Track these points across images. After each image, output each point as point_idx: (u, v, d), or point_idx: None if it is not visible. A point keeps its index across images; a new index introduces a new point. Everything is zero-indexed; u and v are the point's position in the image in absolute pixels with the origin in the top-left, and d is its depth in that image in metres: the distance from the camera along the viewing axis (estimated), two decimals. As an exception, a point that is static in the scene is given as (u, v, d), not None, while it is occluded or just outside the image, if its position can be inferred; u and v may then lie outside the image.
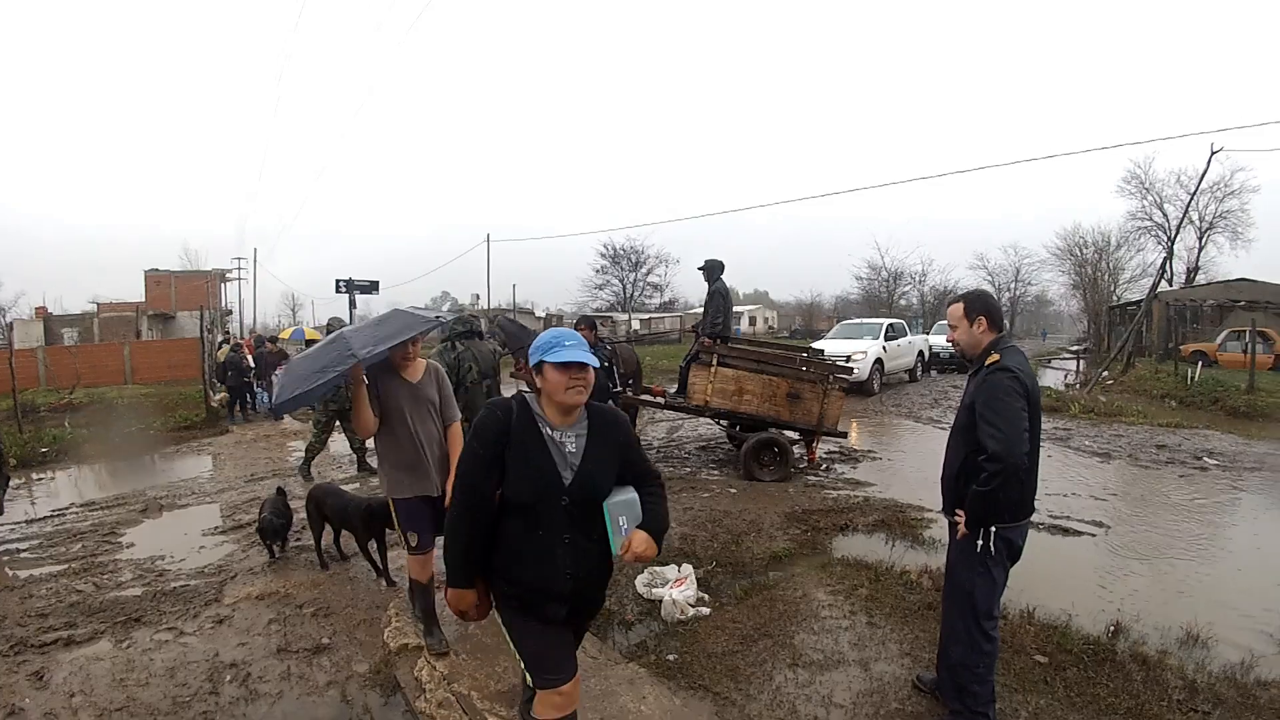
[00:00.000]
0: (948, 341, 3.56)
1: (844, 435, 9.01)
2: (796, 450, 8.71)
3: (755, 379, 8.45)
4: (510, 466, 2.31)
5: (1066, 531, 6.35)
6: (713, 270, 9.22)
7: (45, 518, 7.70)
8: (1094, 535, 6.29)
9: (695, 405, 8.65)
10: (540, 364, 2.36)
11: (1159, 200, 40.78)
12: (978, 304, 3.21)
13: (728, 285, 9.41)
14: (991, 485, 2.89)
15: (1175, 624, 4.37)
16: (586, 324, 8.02)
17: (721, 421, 9.29)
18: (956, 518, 3.13)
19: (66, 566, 5.96)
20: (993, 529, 3.00)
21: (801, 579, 5.07)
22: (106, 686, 3.89)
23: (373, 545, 5.28)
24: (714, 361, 8.49)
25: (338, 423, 9.20)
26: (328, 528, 5.68)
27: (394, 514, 4.03)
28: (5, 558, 6.35)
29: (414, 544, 3.99)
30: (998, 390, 2.96)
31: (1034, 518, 6.44)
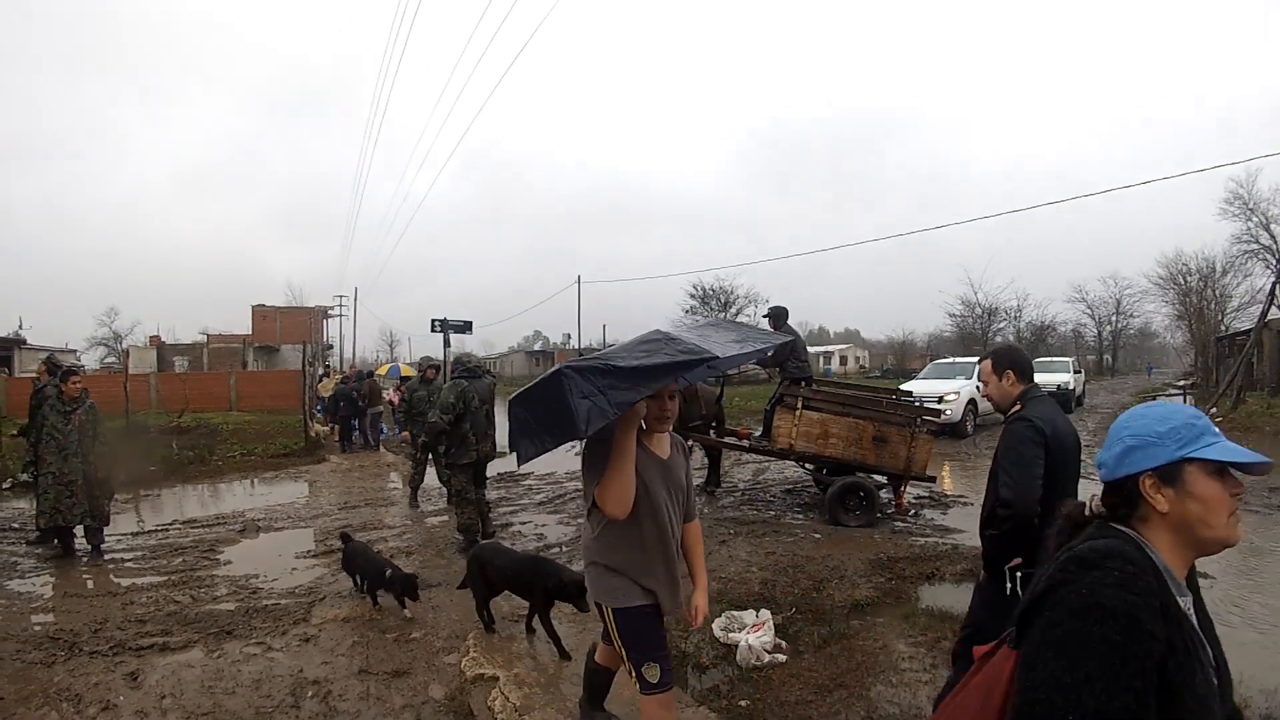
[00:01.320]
0: (983, 396, 3.56)
1: (933, 479, 8.74)
2: (884, 495, 8.46)
3: (840, 422, 8.27)
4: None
5: (1170, 584, 5.95)
6: (777, 318, 9.24)
7: (150, 531, 8.22)
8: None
9: (780, 449, 8.53)
10: (1178, 465, 1.37)
11: (1265, 221, 38.18)
12: (1005, 359, 3.29)
13: (795, 330, 9.36)
14: (1002, 530, 2.93)
15: (1284, 686, 4.00)
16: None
17: (807, 465, 9.13)
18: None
19: (167, 578, 6.35)
20: (1016, 575, 2.89)
21: (883, 629, 4.91)
22: (195, 692, 4.11)
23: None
24: (799, 404, 8.36)
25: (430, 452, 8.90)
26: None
27: (614, 629, 2.83)
28: (111, 566, 6.80)
29: (653, 680, 2.75)
30: (1013, 439, 3.03)
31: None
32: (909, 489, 8.75)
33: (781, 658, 4.39)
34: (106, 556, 7.06)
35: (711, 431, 9.81)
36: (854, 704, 3.87)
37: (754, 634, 4.49)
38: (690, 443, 6.85)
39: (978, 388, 17.36)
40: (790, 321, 9.32)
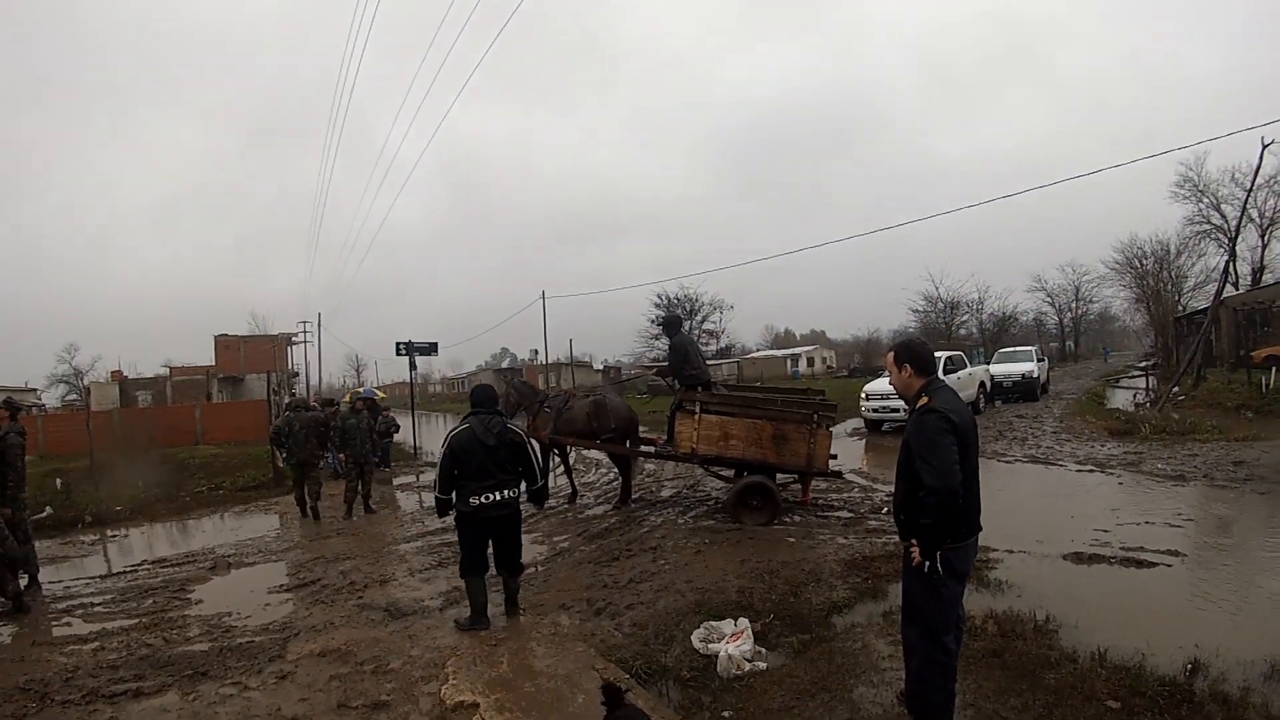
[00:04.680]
0: (889, 385, 3.78)
1: (837, 475, 8.98)
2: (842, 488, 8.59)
3: (739, 423, 8.47)
4: None
5: (1140, 564, 6.03)
6: (670, 326, 9.57)
7: (118, 573, 8.03)
8: (1169, 566, 5.97)
9: (683, 453, 8.72)
10: None
11: (1215, 201, 39.41)
12: (903, 353, 3.60)
13: (690, 336, 9.52)
14: (933, 515, 3.21)
15: (1259, 657, 4.09)
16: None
17: (711, 468, 9.35)
18: (911, 546, 3.36)
19: (138, 621, 6.20)
20: (937, 553, 3.26)
21: (862, 629, 4.93)
22: (172, 737, 4.00)
23: None
24: (697, 409, 8.53)
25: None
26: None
27: None
28: (80, 611, 6.64)
29: None
30: (928, 430, 3.29)
31: (1104, 552, 6.25)
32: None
33: (762, 665, 4.40)
34: (75, 602, 6.89)
35: (629, 443, 10.00)
36: (837, 707, 3.89)
37: (733, 643, 4.50)
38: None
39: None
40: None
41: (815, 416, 8.32)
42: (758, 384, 28.27)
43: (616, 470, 10.60)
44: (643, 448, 10.05)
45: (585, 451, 12.10)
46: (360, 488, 10.78)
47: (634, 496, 10.13)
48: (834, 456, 8.86)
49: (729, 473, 9.18)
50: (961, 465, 3.24)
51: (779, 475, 8.82)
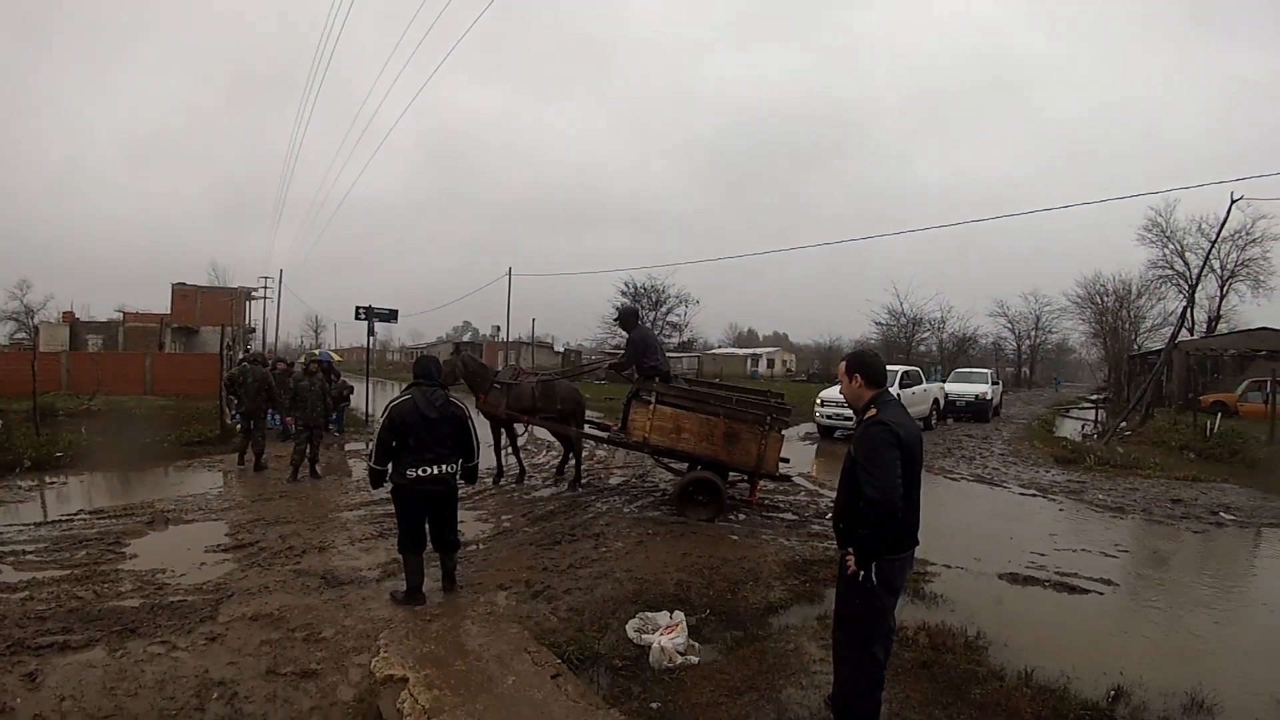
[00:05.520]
0: (839, 394, 3.83)
1: (786, 479, 9.09)
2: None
3: (692, 418, 8.53)
4: None
5: (1073, 589, 6.20)
6: (627, 319, 9.64)
7: (53, 522, 7.81)
8: (1101, 594, 6.14)
9: (635, 441, 8.80)
10: None
11: (1180, 249, 40.58)
12: (855, 363, 3.61)
13: (649, 328, 9.59)
14: (871, 527, 3.24)
15: (1180, 689, 4.23)
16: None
17: (662, 459, 9.42)
18: (847, 554, 3.40)
19: (69, 572, 6.03)
20: (872, 564, 3.30)
21: (795, 631, 4.99)
22: (96, 693, 3.94)
23: None
24: (653, 399, 8.60)
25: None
26: None
27: None
28: (11, 559, 6.44)
29: None
30: (873, 442, 3.29)
31: (1039, 575, 6.39)
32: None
33: (694, 659, 4.44)
34: (6, 549, 6.69)
35: (573, 425, 10.13)
36: (764, 706, 3.94)
37: (667, 635, 4.54)
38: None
39: (897, 396, 18.24)
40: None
41: (769, 419, 8.38)
42: (717, 379, 28.37)
43: (568, 453, 10.66)
44: (595, 432, 10.14)
45: (535, 431, 12.11)
46: (308, 451, 10.64)
47: (582, 482, 10.17)
48: (785, 460, 8.94)
49: (681, 466, 9.25)
50: (904, 479, 3.26)
51: (729, 474, 8.89)
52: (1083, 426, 23.77)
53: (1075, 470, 13.19)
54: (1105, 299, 50.30)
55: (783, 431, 8.56)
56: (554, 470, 11.15)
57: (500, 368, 11.48)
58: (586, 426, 10.90)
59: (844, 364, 3.67)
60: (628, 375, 9.60)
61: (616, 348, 58.51)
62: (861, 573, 3.31)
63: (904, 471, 3.28)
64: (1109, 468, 13.31)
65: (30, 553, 6.60)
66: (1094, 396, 44.64)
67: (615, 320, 9.54)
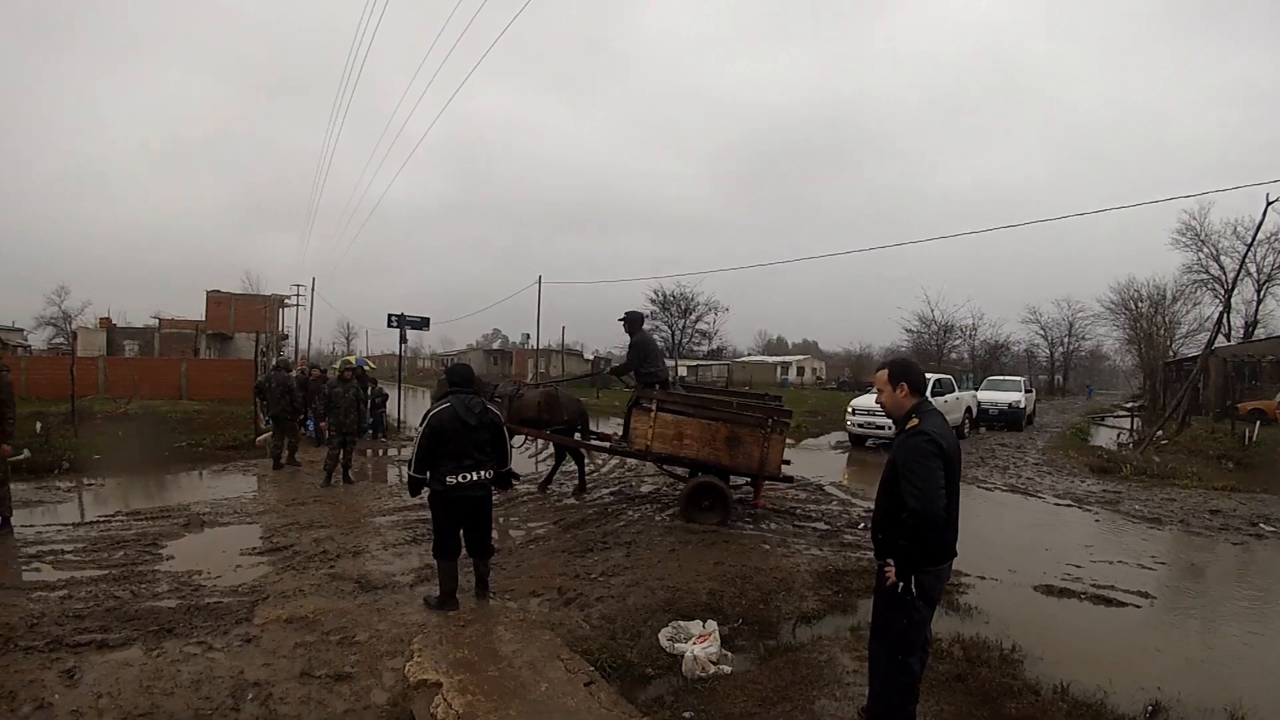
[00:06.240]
0: (876, 403, 3.76)
1: (789, 480, 9.03)
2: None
3: (694, 424, 8.54)
4: None
5: (1109, 602, 6.08)
6: (632, 323, 9.55)
7: (91, 522, 7.98)
8: (1139, 607, 6.02)
9: (637, 450, 8.80)
10: None
11: (1215, 252, 39.82)
12: (899, 371, 3.54)
13: (650, 335, 9.64)
14: (913, 538, 3.23)
15: (1218, 705, 4.14)
16: None
17: (665, 466, 9.46)
18: (886, 565, 3.39)
19: (107, 572, 6.16)
20: (912, 575, 3.29)
21: (829, 642, 4.95)
22: (133, 691, 4.01)
23: None
24: (654, 407, 8.60)
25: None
26: None
27: None
28: (50, 558, 6.59)
29: None
30: (916, 452, 3.26)
31: (1075, 587, 6.29)
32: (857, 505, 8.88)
33: (727, 669, 4.41)
34: (46, 548, 6.85)
35: (577, 435, 10.16)
36: (798, 717, 3.91)
37: (700, 644, 4.52)
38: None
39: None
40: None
41: (770, 421, 8.40)
42: (746, 387, 28.32)
43: (559, 463, 10.81)
44: (598, 443, 10.17)
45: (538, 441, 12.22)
46: (341, 456, 10.74)
47: (613, 490, 10.16)
48: (788, 462, 8.93)
49: (684, 471, 9.27)
50: (947, 490, 3.24)
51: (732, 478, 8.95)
52: (1118, 435, 23.37)
53: (1111, 480, 12.96)
54: (1139, 304, 49.50)
55: (784, 434, 8.58)
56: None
57: (500, 381, 11.52)
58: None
59: (885, 372, 3.60)
60: (625, 382, 9.63)
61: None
62: (901, 584, 3.28)
63: (944, 482, 3.24)
64: (1145, 477, 13.07)
65: (69, 552, 6.76)
66: (1129, 404, 43.89)
67: (620, 321, 9.52)
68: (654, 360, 9.32)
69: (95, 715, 3.76)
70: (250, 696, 3.99)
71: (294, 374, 13.39)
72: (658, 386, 9.05)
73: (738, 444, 8.40)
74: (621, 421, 10.10)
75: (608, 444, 9.86)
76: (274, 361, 18.30)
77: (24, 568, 6.38)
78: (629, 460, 12.90)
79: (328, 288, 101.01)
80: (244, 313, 44.25)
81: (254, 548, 7.06)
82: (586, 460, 11.06)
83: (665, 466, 9.53)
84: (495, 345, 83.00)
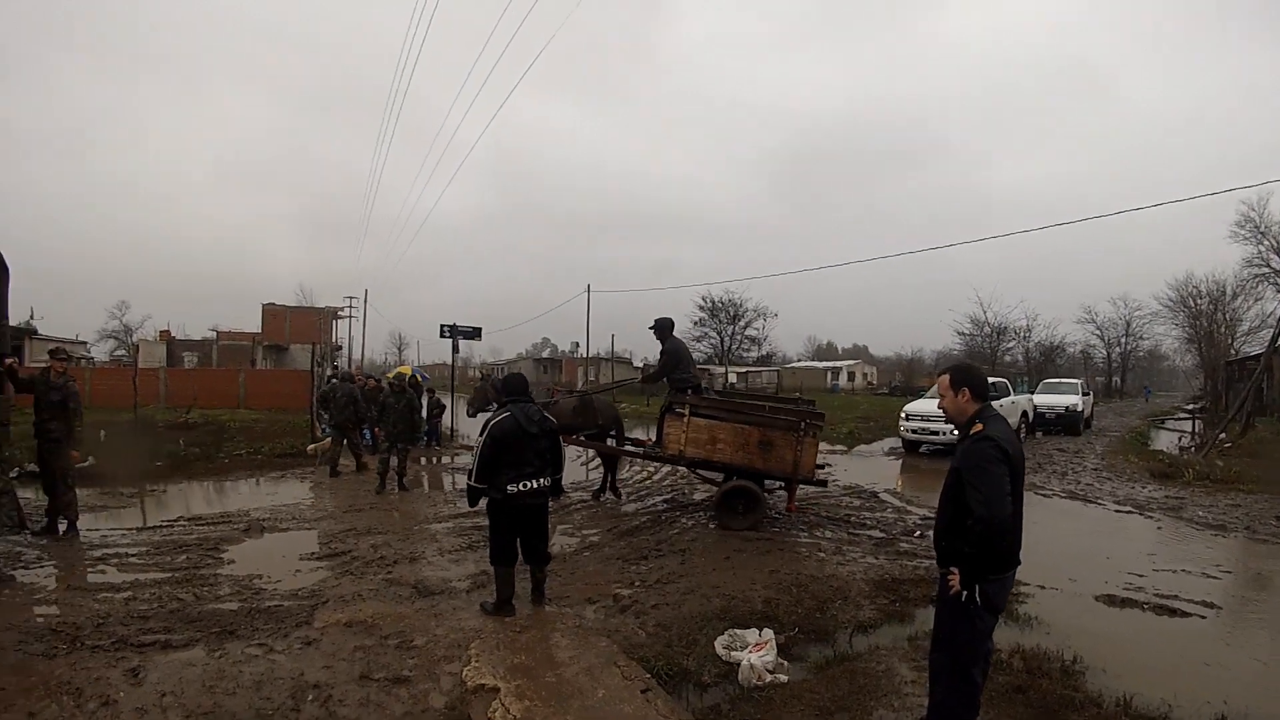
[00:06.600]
0: (938, 409, 3.68)
1: (823, 484, 9.02)
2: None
3: (727, 428, 8.53)
4: None
5: (1173, 612, 5.88)
6: (662, 330, 9.53)
7: (154, 527, 8.25)
8: (1204, 617, 5.80)
9: (670, 455, 8.80)
10: None
11: (1276, 244, 38.37)
12: (961, 377, 3.49)
13: (682, 341, 9.63)
14: (979, 545, 3.18)
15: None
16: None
17: (698, 470, 9.50)
18: (950, 574, 3.33)
19: (170, 575, 6.36)
20: (976, 584, 3.23)
21: (886, 652, 4.88)
22: (196, 691, 4.12)
23: None
24: (687, 412, 8.60)
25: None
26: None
27: None
28: (115, 560, 6.83)
29: None
30: (981, 458, 3.21)
31: (1138, 596, 6.12)
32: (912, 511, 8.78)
33: (783, 678, 4.39)
34: (111, 551, 7.10)
35: (611, 440, 10.21)
36: (855, 727, 3.86)
37: (756, 653, 4.49)
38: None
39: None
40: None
41: (802, 425, 8.38)
42: (797, 393, 28.12)
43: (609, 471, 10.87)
44: (631, 448, 10.23)
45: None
46: (395, 464, 10.93)
47: (666, 497, 10.22)
48: (822, 466, 8.89)
49: (718, 476, 9.26)
50: (1012, 496, 3.19)
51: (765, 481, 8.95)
52: (1179, 439, 22.66)
53: (1173, 485, 12.55)
54: (1198, 301, 48.01)
55: (817, 437, 8.55)
56: (639, 490, 11.17)
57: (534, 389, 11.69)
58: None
59: (947, 376, 3.54)
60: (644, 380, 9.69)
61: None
62: (965, 593, 3.23)
63: (1010, 488, 3.19)
64: (1208, 482, 12.60)
65: (133, 556, 7.01)
66: (1190, 406, 42.53)
67: (651, 328, 9.54)
68: (686, 366, 9.35)
69: (160, 713, 3.87)
70: (310, 698, 4.07)
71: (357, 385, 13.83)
72: (690, 392, 9.06)
73: (770, 448, 8.39)
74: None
75: (641, 450, 9.93)
76: (335, 372, 18.81)
77: (90, 570, 6.61)
78: (680, 467, 12.95)
79: (379, 299, 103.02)
80: (298, 324, 45.28)
81: (313, 553, 7.22)
82: (620, 466, 11.15)
83: (698, 471, 9.56)
84: (545, 354, 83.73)
